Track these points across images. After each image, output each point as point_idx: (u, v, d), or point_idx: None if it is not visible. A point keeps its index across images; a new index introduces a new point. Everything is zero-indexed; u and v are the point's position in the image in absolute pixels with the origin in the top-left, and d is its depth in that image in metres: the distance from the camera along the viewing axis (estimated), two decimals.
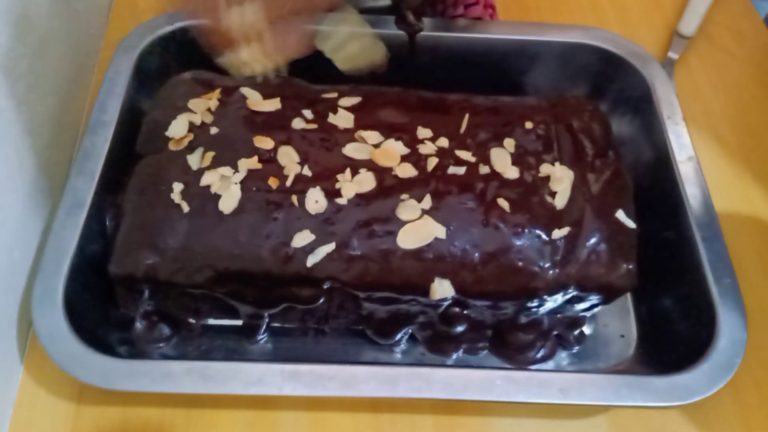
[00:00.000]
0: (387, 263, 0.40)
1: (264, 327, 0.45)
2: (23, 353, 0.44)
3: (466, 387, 0.39)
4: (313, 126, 0.44)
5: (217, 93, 0.46)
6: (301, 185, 0.41)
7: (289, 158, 0.43)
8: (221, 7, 0.37)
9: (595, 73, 0.55)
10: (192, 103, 0.45)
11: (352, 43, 0.42)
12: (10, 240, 0.42)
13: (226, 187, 0.41)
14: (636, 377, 0.40)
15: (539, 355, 0.46)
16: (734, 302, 0.42)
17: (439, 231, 0.40)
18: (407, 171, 0.43)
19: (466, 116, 0.46)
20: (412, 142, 0.44)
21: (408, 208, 0.41)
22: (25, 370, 0.43)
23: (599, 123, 0.47)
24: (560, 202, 0.42)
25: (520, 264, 0.41)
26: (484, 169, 0.43)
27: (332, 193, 0.41)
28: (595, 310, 0.46)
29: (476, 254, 0.41)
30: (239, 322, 0.45)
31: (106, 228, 0.44)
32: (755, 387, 0.46)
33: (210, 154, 0.42)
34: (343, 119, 0.45)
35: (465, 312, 0.43)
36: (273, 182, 0.41)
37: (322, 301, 0.42)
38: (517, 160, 0.44)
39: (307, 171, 0.42)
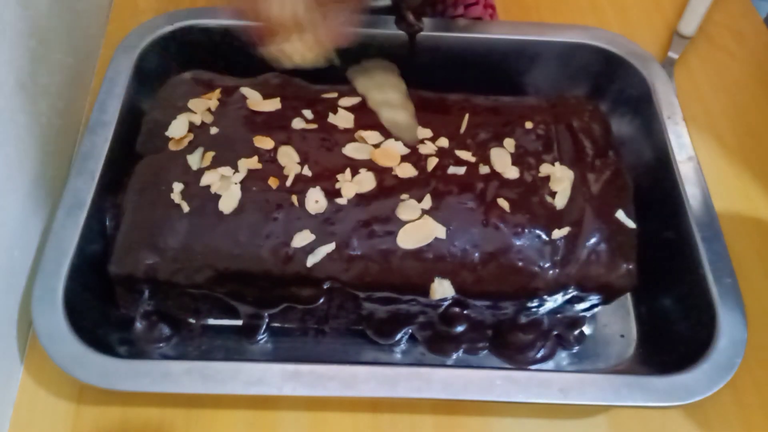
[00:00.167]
0: (387, 263, 0.40)
1: (264, 327, 0.45)
2: (23, 353, 0.44)
3: (466, 387, 0.39)
4: (313, 126, 0.44)
5: (217, 93, 0.46)
6: (301, 185, 0.41)
7: (289, 158, 0.43)
8: None
9: (595, 73, 0.55)
10: (192, 103, 0.45)
11: (399, 112, 0.42)
12: (10, 240, 0.42)
13: (226, 187, 0.41)
14: (636, 377, 0.40)
15: (539, 355, 0.46)
16: (734, 302, 0.42)
17: (439, 231, 0.40)
18: (407, 171, 0.43)
19: (466, 116, 0.46)
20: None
21: (408, 208, 0.41)
22: (25, 370, 0.43)
23: (599, 123, 0.47)
24: (560, 202, 0.42)
25: (520, 264, 0.41)
26: (484, 169, 0.43)
27: (332, 193, 0.41)
28: (595, 310, 0.46)
29: (476, 254, 0.41)
30: (239, 322, 0.45)
31: (106, 228, 0.44)
32: (755, 387, 0.46)
33: (210, 154, 0.42)
34: (343, 119, 0.45)
35: (465, 312, 0.43)
36: (273, 182, 0.41)
37: (322, 301, 0.42)
38: (517, 160, 0.44)
39: (307, 171, 0.42)
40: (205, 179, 0.41)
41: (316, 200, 0.41)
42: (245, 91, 0.46)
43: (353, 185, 0.41)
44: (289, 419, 0.43)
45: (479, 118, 0.46)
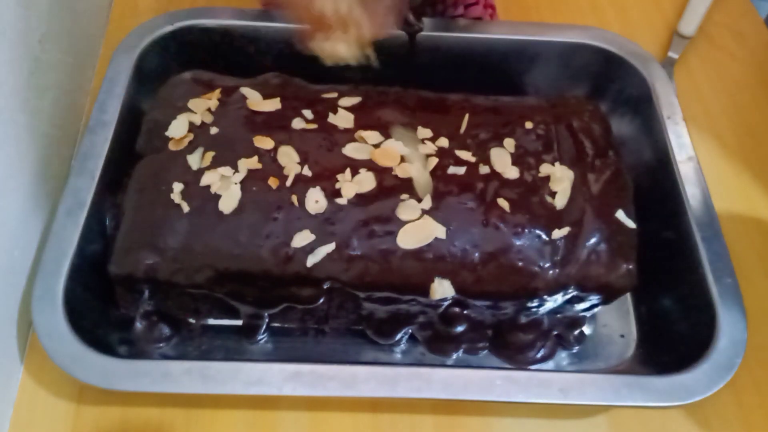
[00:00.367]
0: (387, 263, 0.40)
1: (264, 327, 0.45)
2: (23, 353, 0.44)
3: (466, 387, 0.39)
4: (313, 126, 0.44)
5: (217, 93, 0.46)
6: (301, 185, 0.41)
7: (289, 158, 0.43)
8: None
9: (595, 73, 0.55)
10: (192, 103, 0.45)
11: (423, 172, 0.42)
12: (10, 240, 0.42)
13: (226, 187, 0.41)
14: (636, 377, 0.40)
15: (539, 355, 0.46)
16: (734, 302, 0.42)
17: (439, 231, 0.40)
18: (407, 171, 0.43)
19: (466, 116, 0.46)
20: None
21: (408, 208, 0.41)
22: (25, 370, 0.43)
23: (599, 123, 0.47)
24: (560, 202, 0.42)
25: (520, 264, 0.41)
26: (484, 169, 0.43)
27: (332, 193, 0.41)
28: (595, 310, 0.46)
29: (476, 254, 0.41)
30: (239, 322, 0.45)
31: (106, 228, 0.44)
32: (755, 387, 0.46)
33: (210, 154, 0.42)
34: (343, 119, 0.45)
35: (465, 312, 0.43)
36: (273, 182, 0.41)
37: (322, 301, 0.42)
38: (517, 160, 0.44)
39: (307, 171, 0.42)
40: (205, 179, 0.41)
41: (316, 200, 0.41)
42: (245, 91, 0.46)
43: (353, 185, 0.41)
44: (289, 419, 0.43)
45: (479, 118, 0.46)
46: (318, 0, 0.36)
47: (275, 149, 0.43)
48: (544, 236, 0.41)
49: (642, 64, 0.53)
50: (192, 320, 0.45)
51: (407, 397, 0.38)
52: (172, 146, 0.43)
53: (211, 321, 0.46)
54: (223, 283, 0.41)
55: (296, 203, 0.41)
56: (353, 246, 0.40)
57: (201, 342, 0.45)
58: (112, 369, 0.38)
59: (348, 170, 0.42)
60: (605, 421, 0.44)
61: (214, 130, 0.44)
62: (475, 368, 0.41)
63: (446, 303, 0.42)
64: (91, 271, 0.42)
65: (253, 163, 0.42)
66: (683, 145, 0.49)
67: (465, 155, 0.44)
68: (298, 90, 0.47)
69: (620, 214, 0.43)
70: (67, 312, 0.40)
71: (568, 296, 0.43)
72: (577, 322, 0.46)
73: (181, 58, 0.52)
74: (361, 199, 0.41)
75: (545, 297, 0.42)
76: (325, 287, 0.41)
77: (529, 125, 0.46)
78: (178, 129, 0.44)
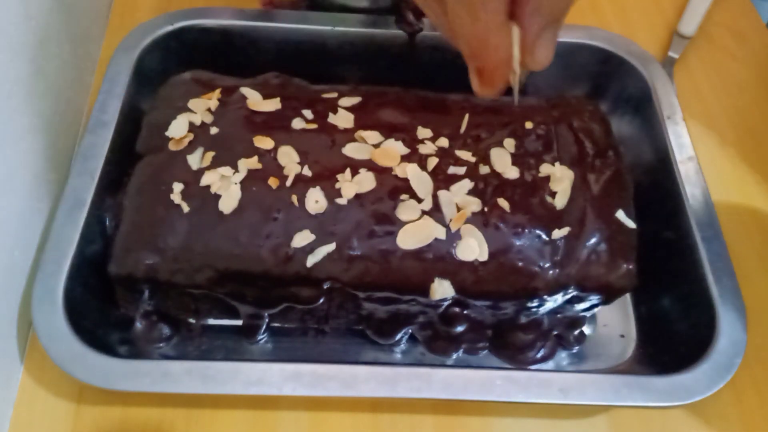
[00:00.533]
0: (387, 263, 0.40)
1: (264, 327, 0.45)
2: (23, 353, 0.44)
3: (466, 387, 0.39)
4: (313, 126, 0.44)
5: (217, 93, 0.46)
6: (301, 185, 0.41)
7: (289, 158, 0.43)
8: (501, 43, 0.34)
9: (595, 73, 0.55)
10: (192, 103, 0.45)
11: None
12: (10, 240, 0.42)
13: (226, 187, 0.41)
14: (636, 377, 0.40)
15: (539, 355, 0.46)
16: (734, 302, 0.42)
17: (439, 231, 0.40)
18: (407, 171, 0.43)
19: (466, 116, 0.46)
20: (412, 142, 0.44)
21: (408, 209, 0.41)
22: (25, 370, 0.43)
23: (599, 123, 0.47)
24: (560, 202, 0.42)
25: (520, 264, 0.41)
26: (484, 169, 0.43)
27: (332, 193, 0.41)
28: (595, 310, 0.46)
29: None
30: (239, 322, 0.45)
31: (106, 228, 0.44)
32: (755, 387, 0.46)
33: (210, 154, 0.42)
34: (343, 119, 0.45)
35: (465, 312, 0.43)
36: (273, 182, 0.41)
37: (322, 301, 0.42)
38: (517, 160, 0.44)
39: (307, 171, 0.42)
40: (205, 179, 0.41)
41: (316, 200, 0.41)
42: (245, 91, 0.46)
43: (353, 185, 0.41)
44: (289, 419, 0.43)
45: (479, 118, 0.46)
46: (499, 48, 0.35)
47: (275, 149, 0.43)
48: (544, 236, 0.41)
49: (642, 64, 0.53)
50: (192, 320, 0.45)
51: (407, 397, 0.38)
52: (172, 146, 0.43)
53: (211, 321, 0.46)
54: (223, 283, 0.41)
55: (296, 203, 0.41)
56: (353, 246, 0.40)
57: (201, 342, 0.45)
58: (112, 369, 0.38)
59: (348, 170, 0.42)
60: (605, 421, 0.44)
61: (214, 130, 0.44)
62: (475, 368, 0.41)
63: (446, 303, 0.42)
64: (91, 271, 0.42)
65: (253, 163, 0.42)
66: (683, 145, 0.49)
67: (465, 155, 0.44)
68: (298, 90, 0.47)
69: (620, 214, 0.43)
70: (67, 312, 0.39)
71: (568, 296, 0.43)
72: (577, 322, 0.46)
73: (181, 58, 0.52)
74: (361, 199, 0.41)
75: (545, 297, 0.42)
76: (325, 287, 0.41)
77: (529, 125, 0.46)
78: (178, 129, 0.44)
